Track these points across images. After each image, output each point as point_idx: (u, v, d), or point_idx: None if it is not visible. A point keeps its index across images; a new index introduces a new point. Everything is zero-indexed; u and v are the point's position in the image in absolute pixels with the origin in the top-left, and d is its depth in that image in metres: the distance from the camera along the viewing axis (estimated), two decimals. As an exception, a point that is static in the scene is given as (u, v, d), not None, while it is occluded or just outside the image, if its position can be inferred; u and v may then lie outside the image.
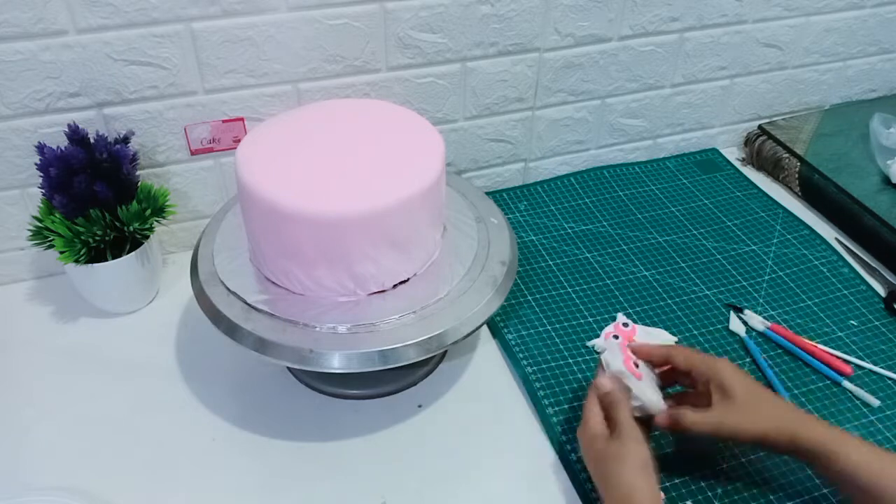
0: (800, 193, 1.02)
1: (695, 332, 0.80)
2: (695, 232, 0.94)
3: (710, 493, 0.65)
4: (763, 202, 1.00)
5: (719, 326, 0.81)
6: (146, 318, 0.81)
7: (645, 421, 0.62)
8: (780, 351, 0.78)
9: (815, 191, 0.99)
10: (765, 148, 1.06)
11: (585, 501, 0.64)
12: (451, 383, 0.75)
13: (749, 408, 0.59)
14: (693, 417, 0.60)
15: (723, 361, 0.62)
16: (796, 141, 1.05)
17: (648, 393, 0.65)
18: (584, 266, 0.88)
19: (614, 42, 0.93)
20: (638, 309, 0.82)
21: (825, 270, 0.89)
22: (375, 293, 0.67)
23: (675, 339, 0.77)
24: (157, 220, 0.77)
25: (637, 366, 0.68)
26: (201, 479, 0.66)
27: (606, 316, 0.81)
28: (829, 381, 0.75)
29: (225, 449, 0.68)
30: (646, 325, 0.80)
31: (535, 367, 0.75)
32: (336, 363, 0.62)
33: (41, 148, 0.72)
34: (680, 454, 0.68)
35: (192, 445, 0.68)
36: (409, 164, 0.65)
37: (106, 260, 0.75)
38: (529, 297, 0.83)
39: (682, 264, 0.89)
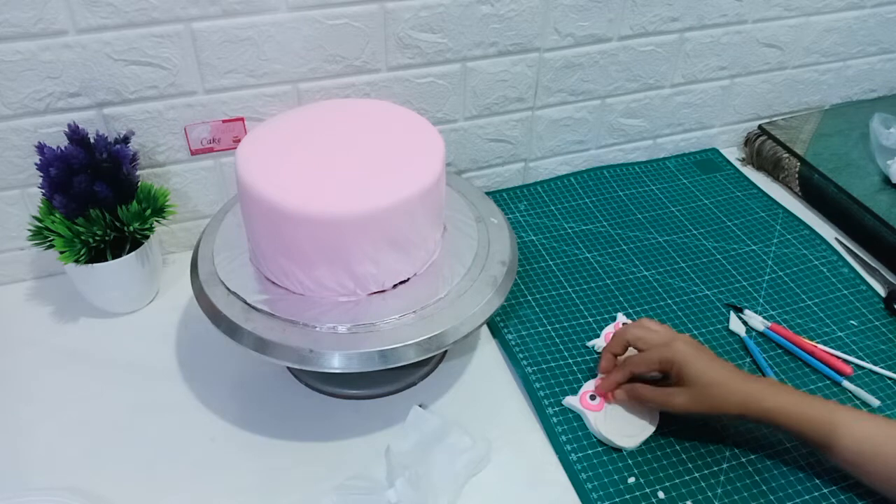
0: (800, 193, 1.02)
1: (695, 332, 0.80)
2: (695, 232, 0.94)
3: (710, 494, 0.65)
4: (763, 202, 1.00)
5: (719, 326, 0.81)
6: (146, 318, 0.81)
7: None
8: (780, 351, 0.78)
9: (815, 191, 0.99)
10: (765, 148, 1.06)
11: (585, 501, 0.64)
12: (451, 383, 0.75)
13: (699, 395, 0.64)
14: (647, 394, 0.68)
15: (681, 353, 0.65)
16: (796, 141, 1.05)
17: (602, 428, 0.68)
18: (584, 266, 0.88)
19: (614, 42, 0.93)
20: (638, 309, 0.82)
21: (825, 270, 0.89)
22: (375, 293, 0.67)
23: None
24: (157, 220, 0.77)
25: (593, 398, 0.69)
26: (201, 479, 0.66)
27: (606, 316, 0.81)
28: (829, 381, 0.75)
29: (225, 449, 0.68)
30: (646, 325, 0.80)
31: (535, 367, 0.75)
32: (336, 363, 0.62)
33: (41, 148, 0.72)
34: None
35: (192, 445, 0.68)
36: (409, 164, 0.65)
37: (106, 260, 0.75)
38: (529, 297, 0.83)
39: (682, 264, 0.89)
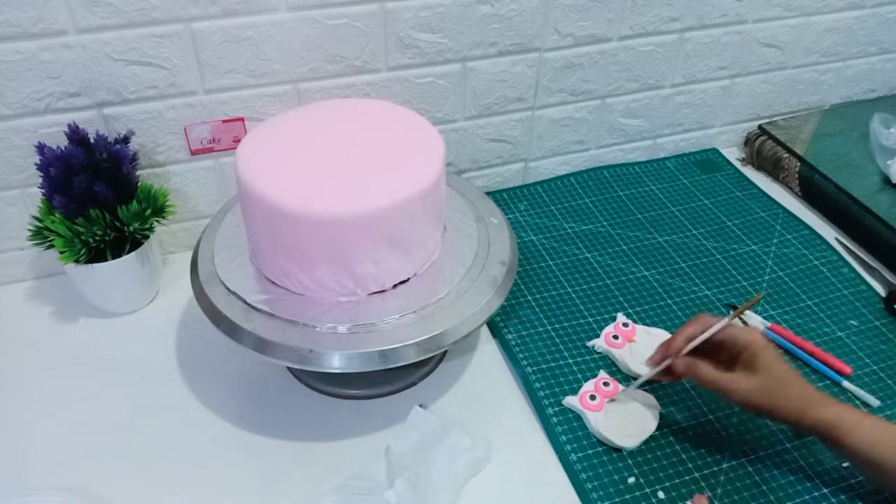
0: (800, 193, 1.02)
1: (695, 332, 0.80)
2: (695, 232, 0.94)
3: (709, 494, 0.65)
4: (763, 202, 1.00)
5: (719, 326, 0.81)
6: (146, 318, 0.82)
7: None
8: (780, 351, 0.78)
9: (815, 191, 0.99)
10: (765, 148, 1.06)
11: (585, 501, 0.64)
12: (451, 383, 0.75)
13: (766, 386, 0.62)
14: (709, 373, 0.64)
15: (759, 340, 0.64)
16: (796, 141, 1.05)
17: (602, 428, 0.68)
18: (584, 266, 0.88)
19: (614, 42, 0.93)
20: (638, 309, 0.82)
21: (825, 270, 0.89)
22: (375, 293, 0.67)
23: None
24: (157, 220, 0.77)
25: (593, 398, 0.69)
26: (201, 479, 0.66)
27: (606, 316, 0.81)
28: (829, 381, 0.75)
29: (225, 449, 0.68)
30: (646, 325, 0.80)
31: (535, 367, 0.75)
32: (336, 363, 0.62)
33: (41, 148, 0.72)
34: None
35: (192, 445, 0.68)
36: (409, 164, 0.65)
37: (106, 260, 0.75)
38: (529, 297, 0.83)
39: (682, 264, 0.89)
